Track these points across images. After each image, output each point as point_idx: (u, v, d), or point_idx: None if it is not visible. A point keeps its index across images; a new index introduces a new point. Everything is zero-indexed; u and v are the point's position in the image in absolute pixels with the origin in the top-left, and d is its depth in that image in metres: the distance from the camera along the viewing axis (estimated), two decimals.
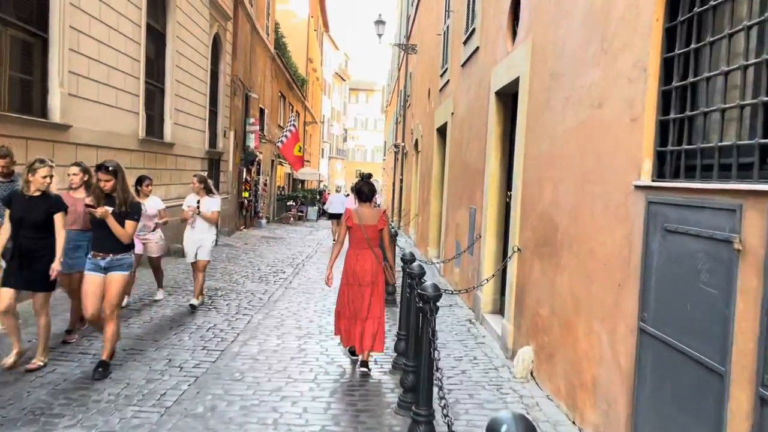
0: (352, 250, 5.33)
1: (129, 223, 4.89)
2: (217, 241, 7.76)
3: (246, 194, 19.63)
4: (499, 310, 7.12)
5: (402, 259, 5.54)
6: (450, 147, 10.85)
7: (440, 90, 12.70)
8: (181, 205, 12.44)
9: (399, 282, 6.46)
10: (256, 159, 20.93)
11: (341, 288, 5.41)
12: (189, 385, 4.75)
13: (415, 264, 4.60)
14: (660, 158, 3.20)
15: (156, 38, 11.44)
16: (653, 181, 3.20)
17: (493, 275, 6.55)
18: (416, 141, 18.27)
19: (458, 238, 9.43)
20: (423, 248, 14.76)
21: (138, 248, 7.11)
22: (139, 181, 7.73)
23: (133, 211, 4.93)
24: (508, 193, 6.80)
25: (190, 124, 13.36)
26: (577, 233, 4.17)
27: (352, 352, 5.50)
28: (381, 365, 5.52)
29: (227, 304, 7.83)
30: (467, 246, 8.36)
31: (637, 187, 3.28)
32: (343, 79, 69.36)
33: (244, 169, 19.41)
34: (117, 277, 4.88)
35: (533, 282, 5.17)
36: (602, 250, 3.71)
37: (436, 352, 3.14)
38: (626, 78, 3.49)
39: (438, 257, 12.95)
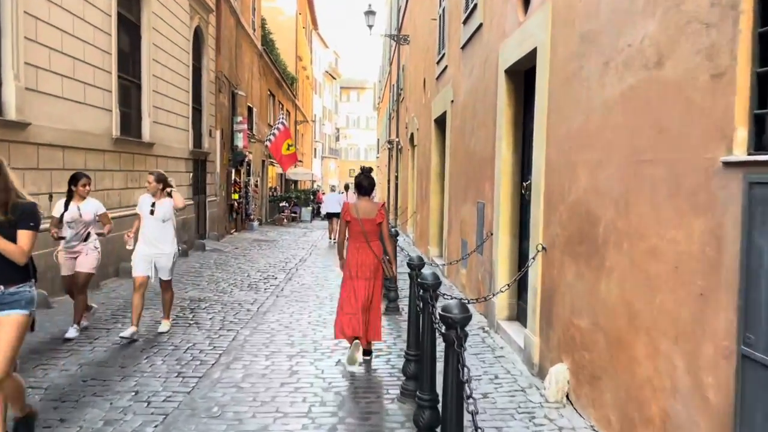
0: (352, 243, 5.33)
1: (23, 234, 3.25)
2: (177, 254, 6.47)
3: (236, 196, 18.76)
4: (517, 316, 6.30)
5: (409, 265, 4.72)
6: (451, 137, 10.03)
7: (437, 78, 11.88)
8: None
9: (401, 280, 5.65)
10: (245, 159, 20.06)
11: (344, 282, 5.35)
12: (156, 426, 3.91)
13: (428, 272, 3.76)
14: (759, 124, 2.39)
15: (130, 29, 10.56)
16: (751, 154, 2.38)
17: (514, 281, 5.71)
18: (411, 135, 17.45)
19: (464, 236, 8.61)
20: (423, 247, 13.95)
21: (67, 267, 6.03)
22: (74, 179, 6.13)
23: (26, 216, 3.28)
24: (524, 183, 5.98)
25: (171, 122, 12.49)
26: (628, 228, 3.35)
27: (350, 361, 5.18)
28: (387, 390, 4.70)
29: (210, 318, 6.99)
30: (476, 245, 7.54)
31: (728, 165, 2.46)
32: (334, 78, 68.56)
33: (233, 170, 18.54)
34: (9, 321, 3.22)
35: (565, 287, 4.35)
36: (671, 249, 2.89)
37: (472, 402, 2.31)
38: (701, 23, 2.67)
39: (440, 257, 12.14)
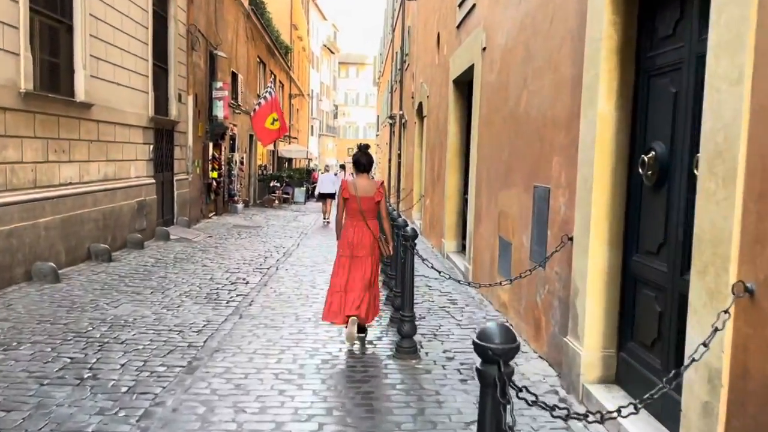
0: (349, 221, 5.22)
1: None
2: None
3: (214, 174, 16.20)
4: (617, 377, 3.82)
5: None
6: (481, 98, 7.47)
7: (458, 26, 9.28)
8: (105, 189, 9.07)
9: None
10: (226, 132, 17.47)
11: (337, 260, 5.20)
12: None
13: None
14: None
15: None
16: None
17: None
18: (420, 105, 14.88)
19: (505, 235, 6.11)
20: (434, 239, 11.47)
21: None
22: None
23: None
24: (645, 157, 3.46)
25: (122, 80, 9.90)
26: None
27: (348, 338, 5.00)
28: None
29: (120, 370, 4.46)
30: (533, 252, 5.04)
31: None
32: (332, 52, 65.62)
33: (211, 144, 15.95)
34: None
35: None
36: None
37: None
38: None
39: (458, 252, 9.66)
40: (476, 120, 7.75)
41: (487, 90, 7.19)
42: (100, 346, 4.89)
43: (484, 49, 7.36)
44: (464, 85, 9.60)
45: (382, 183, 5.37)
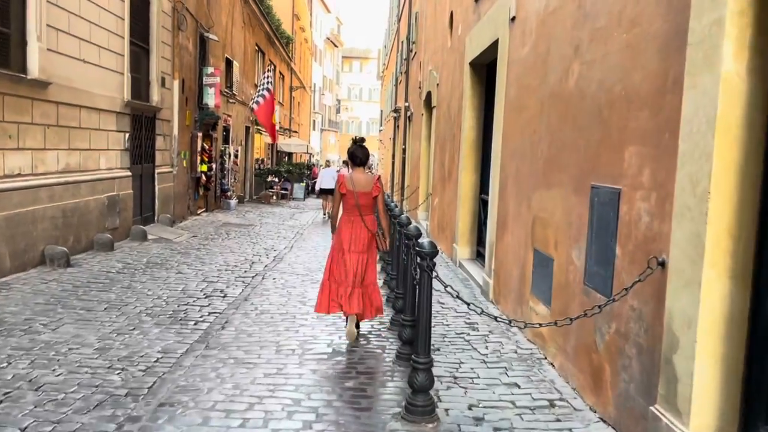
0: (346, 216, 5.14)
1: None
2: None
3: (204, 168, 14.92)
4: None
5: None
6: (510, 77, 6.19)
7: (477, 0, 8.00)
8: (67, 182, 7.80)
9: None
10: (218, 122, 16.20)
11: (332, 254, 5.15)
12: None
13: None
14: None
15: None
16: None
17: None
18: (428, 95, 13.59)
19: (543, 248, 4.84)
20: (444, 244, 10.20)
21: None
22: None
23: None
24: None
25: (90, 57, 8.62)
26: None
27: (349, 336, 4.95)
28: None
29: None
30: (595, 275, 3.76)
31: None
32: (336, 46, 64.30)
33: (200, 135, 14.66)
34: None
35: None
36: None
37: None
38: None
39: (472, 260, 8.39)
40: (501, 106, 6.47)
41: (517, 68, 5.90)
42: (3, 396, 3.62)
43: (513, 19, 6.08)
44: (483, 67, 8.32)
45: (379, 177, 5.31)
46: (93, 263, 7.92)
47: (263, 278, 7.62)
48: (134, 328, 5.19)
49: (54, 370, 4.09)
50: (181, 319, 5.56)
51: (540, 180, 5.00)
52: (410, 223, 5.13)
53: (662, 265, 2.88)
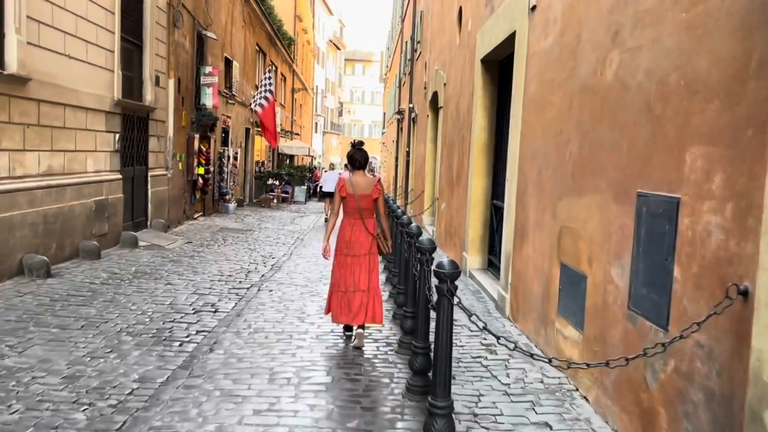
0: (346, 220, 5.10)
1: None
2: None
3: (200, 170, 14.36)
4: None
5: None
6: (530, 72, 5.61)
7: None
8: (49, 186, 7.26)
9: None
10: (217, 123, 15.65)
11: (335, 260, 5.10)
12: None
13: None
14: None
15: None
16: None
17: None
18: (434, 95, 13.04)
19: (573, 261, 4.26)
20: (452, 251, 9.62)
21: None
22: None
23: None
24: None
25: (76, 53, 8.07)
26: None
27: (347, 328, 5.15)
28: None
29: None
30: (643, 298, 3.18)
31: None
32: (338, 48, 63.88)
33: (198, 137, 14.11)
34: None
35: None
36: None
37: None
38: None
39: (482, 270, 7.82)
40: (519, 104, 5.90)
41: (539, 61, 5.33)
42: None
43: (533, 8, 5.51)
44: (495, 64, 7.75)
45: (379, 180, 5.23)
46: (76, 273, 7.35)
47: (259, 290, 7.05)
48: (111, 350, 4.63)
49: (10, 405, 3.52)
50: (164, 339, 4.99)
51: (569, 185, 4.42)
52: (421, 233, 4.59)
53: (744, 294, 2.30)
